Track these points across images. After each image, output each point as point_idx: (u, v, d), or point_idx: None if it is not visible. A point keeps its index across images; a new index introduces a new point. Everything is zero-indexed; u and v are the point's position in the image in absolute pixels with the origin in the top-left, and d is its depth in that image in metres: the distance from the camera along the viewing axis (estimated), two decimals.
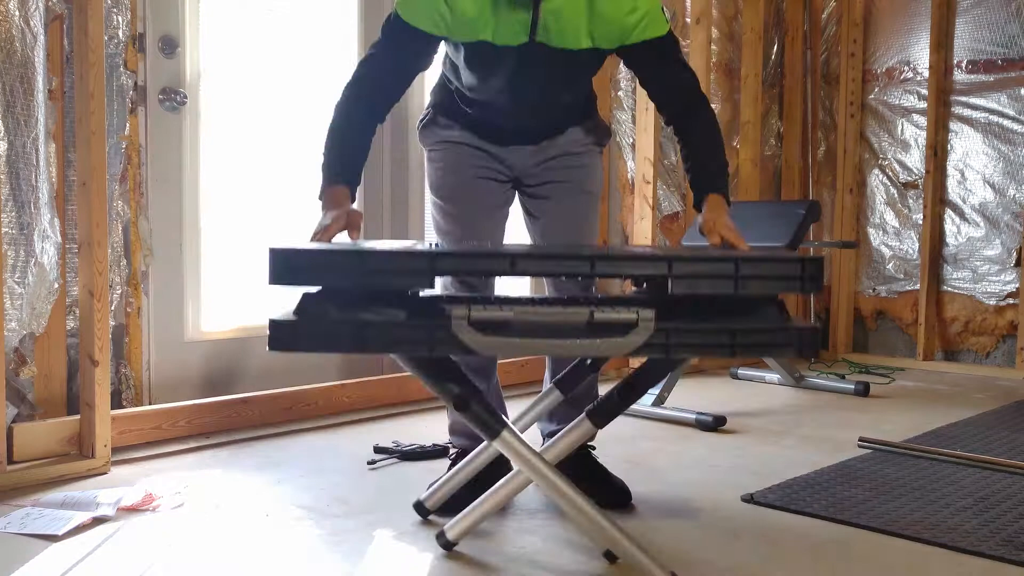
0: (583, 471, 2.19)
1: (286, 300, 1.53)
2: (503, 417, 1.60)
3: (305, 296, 1.47)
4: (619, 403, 1.69)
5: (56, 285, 2.40)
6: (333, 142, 1.91)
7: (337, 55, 3.18)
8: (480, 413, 1.61)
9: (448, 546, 1.78)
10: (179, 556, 1.77)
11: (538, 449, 2.32)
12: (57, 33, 2.41)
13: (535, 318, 1.48)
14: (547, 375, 2.27)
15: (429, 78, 2.25)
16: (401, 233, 3.42)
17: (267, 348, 1.45)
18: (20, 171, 2.30)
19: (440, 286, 2.12)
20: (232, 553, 1.79)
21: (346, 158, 1.91)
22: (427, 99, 2.22)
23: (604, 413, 1.71)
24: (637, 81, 2.14)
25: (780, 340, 1.53)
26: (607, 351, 1.49)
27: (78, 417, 2.39)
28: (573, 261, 1.51)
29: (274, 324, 1.44)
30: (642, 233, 3.87)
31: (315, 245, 1.54)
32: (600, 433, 2.28)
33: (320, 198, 1.86)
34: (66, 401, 2.46)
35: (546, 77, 1.99)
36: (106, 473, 2.33)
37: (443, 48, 2.03)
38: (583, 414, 1.72)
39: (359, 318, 1.46)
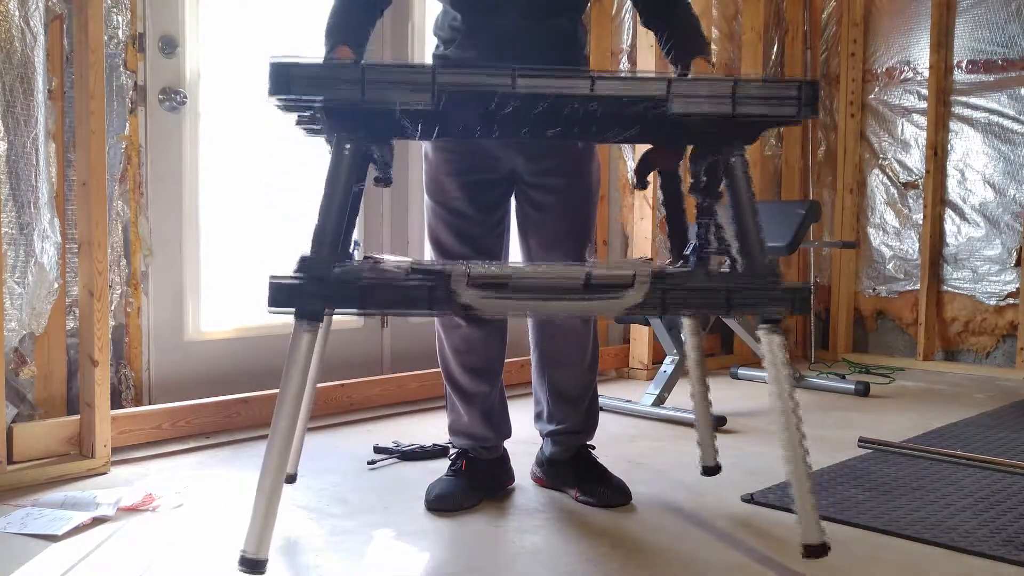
0: (582, 470, 2.19)
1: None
2: None
3: (303, 257, 1.46)
4: None
5: (56, 285, 2.40)
6: (338, 10, 1.92)
7: None
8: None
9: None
10: (179, 556, 1.77)
11: (546, 452, 2.32)
12: (57, 33, 2.41)
13: (533, 278, 1.48)
14: (534, 370, 2.24)
15: None
16: (401, 243, 3.42)
17: (267, 309, 1.43)
18: (20, 171, 2.30)
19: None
20: (232, 553, 1.79)
21: (351, 24, 1.91)
22: None
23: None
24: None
25: (774, 297, 1.54)
26: (603, 309, 1.49)
27: (78, 417, 2.39)
28: (573, 79, 1.47)
29: (274, 284, 1.42)
30: (642, 233, 3.87)
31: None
32: (600, 433, 2.28)
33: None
34: (66, 401, 2.46)
35: None
36: (106, 473, 2.34)
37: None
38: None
39: (360, 277, 1.45)
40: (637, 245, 3.91)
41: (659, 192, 2.02)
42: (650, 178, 2.01)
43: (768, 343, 1.58)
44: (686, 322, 2.09)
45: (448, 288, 1.43)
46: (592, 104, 1.58)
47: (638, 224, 3.90)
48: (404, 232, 3.42)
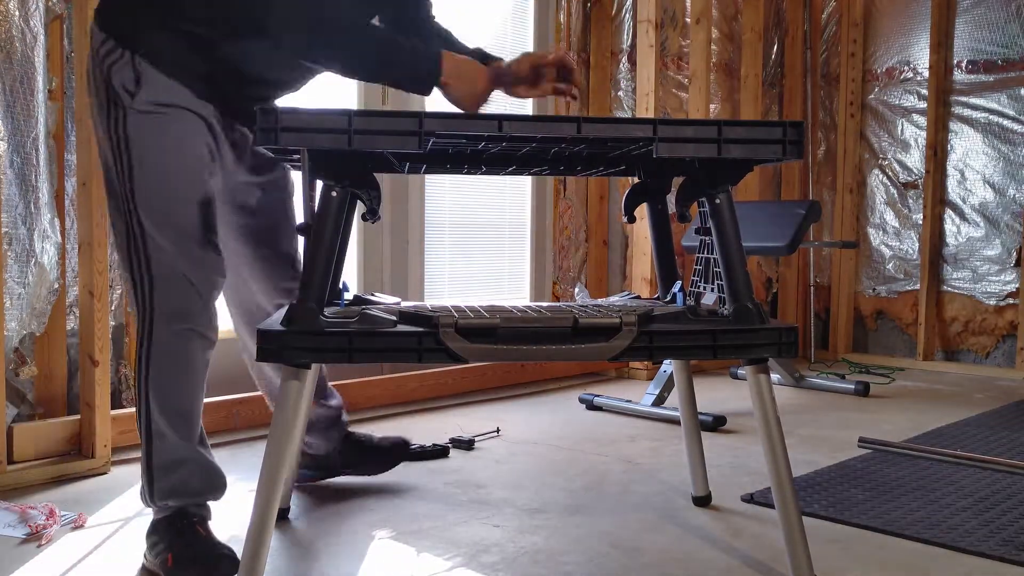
0: (352, 455, 2.23)
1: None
2: None
3: (292, 307, 1.47)
4: None
5: (56, 285, 2.40)
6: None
7: None
8: None
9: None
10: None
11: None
12: (57, 33, 2.41)
13: (521, 325, 1.49)
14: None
15: None
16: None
17: (254, 359, 1.44)
18: (20, 171, 2.30)
19: None
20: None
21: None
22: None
23: None
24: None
25: (760, 340, 1.55)
26: (592, 355, 1.51)
27: (78, 417, 2.39)
28: (560, 124, 1.50)
29: (262, 334, 1.43)
30: (642, 233, 3.86)
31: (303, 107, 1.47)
32: (599, 433, 2.29)
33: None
34: (66, 401, 2.46)
35: None
36: (106, 473, 2.34)
37: None
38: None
39: (348, 327, 1.46)
40: (637, 245, 3.91)
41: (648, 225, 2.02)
42: (639, 213, 2.01)
43: (755, 384, 1.59)
44: (677, 373, 2.09)
45: (437, 338, 1.44)
46: (579, 146, 1.63)
47: (638, 224, 3.90)
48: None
